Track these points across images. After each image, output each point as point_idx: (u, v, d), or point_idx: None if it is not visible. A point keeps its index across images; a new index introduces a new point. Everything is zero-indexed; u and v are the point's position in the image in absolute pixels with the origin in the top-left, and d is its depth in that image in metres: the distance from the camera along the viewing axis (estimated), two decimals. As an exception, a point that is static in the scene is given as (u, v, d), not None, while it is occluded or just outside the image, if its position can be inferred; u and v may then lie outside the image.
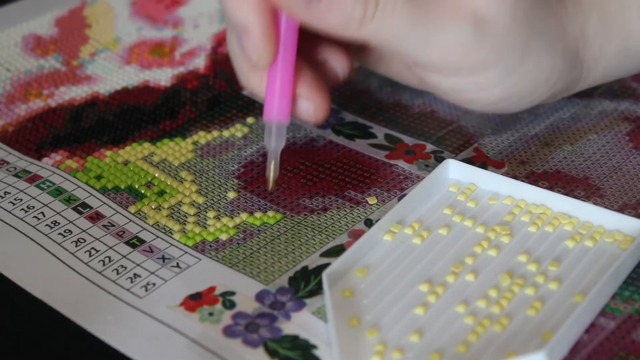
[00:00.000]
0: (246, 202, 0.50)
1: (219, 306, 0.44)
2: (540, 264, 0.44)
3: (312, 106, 0.48)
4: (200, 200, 0.50)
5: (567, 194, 0.49)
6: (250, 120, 0.56)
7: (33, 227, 0.48)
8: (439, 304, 0.43)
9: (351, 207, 0.49)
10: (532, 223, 0.46)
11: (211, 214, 0.49)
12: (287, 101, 0.47)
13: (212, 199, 0.50)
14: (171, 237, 0.48)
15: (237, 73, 0.48)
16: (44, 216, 0.49)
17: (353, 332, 0.41)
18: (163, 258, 0.47)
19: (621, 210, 0.48)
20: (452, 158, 0.52)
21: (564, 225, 0.46)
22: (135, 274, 0.46)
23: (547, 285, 0.43)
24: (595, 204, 0.48)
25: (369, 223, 0.48)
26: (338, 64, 0.49)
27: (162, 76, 0.59)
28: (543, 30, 0.47)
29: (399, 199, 0.48)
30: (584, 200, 0.48)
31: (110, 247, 0.47)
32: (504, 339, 0.41)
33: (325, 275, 0.43)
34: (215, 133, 0.55)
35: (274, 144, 0.48)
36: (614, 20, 0.49)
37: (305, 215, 0.49)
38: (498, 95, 0.47)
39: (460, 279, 0.44)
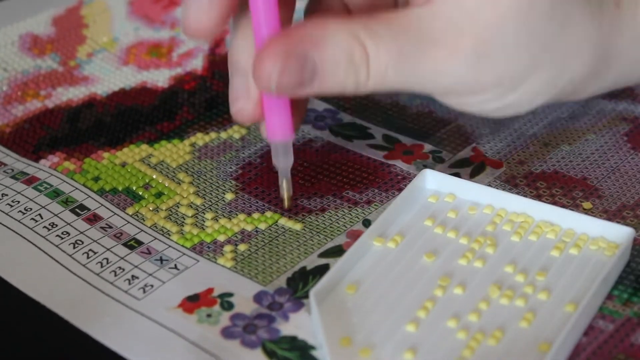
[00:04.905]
0: (244, 204, 0.50)
1: (217, 307, 0.44)
2: (527, 274, 0.44)
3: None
4: (198, 201, 0.50)
5: (565, 195, 0.49)
6: (248, 121, 0.55)
7: (31, 229, 0.48)
8: (430, 320, 0.42)
9: (349, 207, 0.49)
10: (514, 232, 0.46)
11: (209, 216, 0.49)
12: (287, 118, 0.46)
13: (210, 201, 0.50)
14: (169, 238, 0.48)
15: (230, 105, 0.47)
16: (42, 218, 0.49)
17: (346, 353, 0.41)
18: (161, 259, 0.47)
19: (619, 211, 0.48)
20: (451, 158, 0.52)
21: (547, 234, 0.46)
22: (133, 276, 0.46)
23: (537, 296, 0.43)
24: (593, 204, 0.48)
25: (367, 223, 0.48)
26: None
27: (160, 77, 0.59)
28: (556, 48, 0.44)
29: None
30: (571, 209, 0.47)
31: (108, 249, 0.47)
32: (499, 353, 0.40)
33: (312, 295, 0.42)
34: (213, 134, 0.55)
35: (283, 163, 0.47)
36: None
37: (303, 215, 0.49)
38: (502, 104, 0.45)
39: (449, 293, 0.43)
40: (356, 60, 0.42)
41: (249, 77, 0.44)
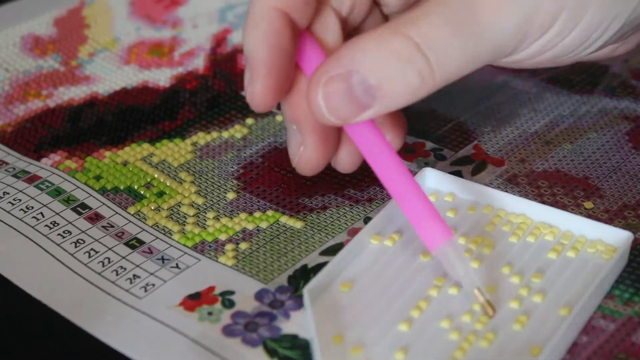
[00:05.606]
0: (245, 203, 0.50)
1: (218, 305, 0.44)
2: (523, 276, 0.44)
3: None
4: (200, 201, 0.50)
5: (566, 194, 0.49)
6: (249, 121, 0.55)
7: (32, 227, 0.48)
8: (423, 319, 0.42)
9: (351, 205, 0.49)
10: (512, 233, 0.46)
11: (210, 215, 0.49)
12: (438, 215, 0.41)
13: (212, 200, 0.50)
14: (170, 237, 0.48)
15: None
16: (43, 217, 0.49)
17: (337, 350, 0.40)
18: (162, 259, 0.47)
19: (621, 210, 0.48)
20: (452, 155, 0.52)
21: (545, 235, 0.46)
22: (134, 275, 0.46)
23: (531, 298, 0.42)
24: (594, 204, 0.48)
25: (369, 221, 0.48)
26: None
27: (161, 76, 0.59)
28: None
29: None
30: (571, 211, 0.47)
31: (110, 248, 0.47)
32: (490, 355, 0.40)
33: (306, 292, 0.42)
34: (215, 134, 0.55)
35: (463, 270, 0.41)
36: None
37: (304, 214, 0.49)
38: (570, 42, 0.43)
39: (443, 293, 0.43)
40: (405, 53, 0.39)
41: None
